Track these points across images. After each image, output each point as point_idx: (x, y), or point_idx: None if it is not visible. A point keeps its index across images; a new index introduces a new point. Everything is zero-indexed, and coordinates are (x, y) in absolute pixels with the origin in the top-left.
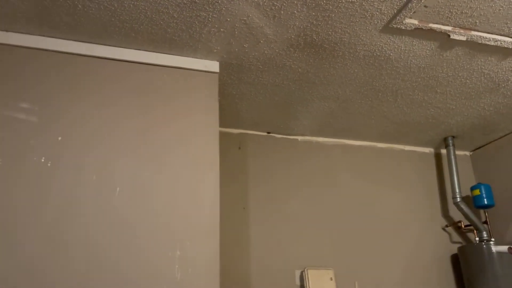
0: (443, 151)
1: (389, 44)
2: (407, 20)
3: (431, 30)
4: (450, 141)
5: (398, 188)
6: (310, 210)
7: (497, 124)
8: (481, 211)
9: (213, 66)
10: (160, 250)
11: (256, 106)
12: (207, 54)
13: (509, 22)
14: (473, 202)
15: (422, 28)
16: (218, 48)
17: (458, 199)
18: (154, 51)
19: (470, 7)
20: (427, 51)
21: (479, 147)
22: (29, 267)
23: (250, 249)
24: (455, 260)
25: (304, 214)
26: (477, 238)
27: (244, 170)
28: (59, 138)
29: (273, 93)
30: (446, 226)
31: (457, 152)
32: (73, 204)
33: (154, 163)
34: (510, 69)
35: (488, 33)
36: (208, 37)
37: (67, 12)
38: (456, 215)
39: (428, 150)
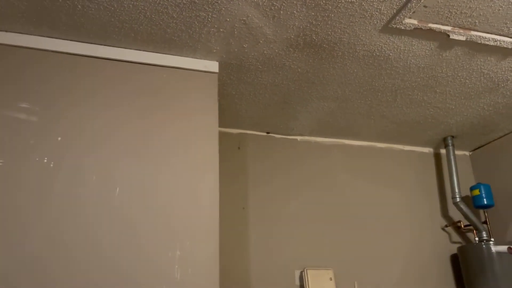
0: (443, 151)
1: (389, 44)
2: (407, 20)
3: (431, 30)
4: (450, 141)
5: (397, 188)
6: (310, 210)
7: (496, 124)
8: (481, 211)
9: (213, 66)
10: (160, 250)
11: (256, 106)
12: (207, 54)
13: (508, 22)
14: (473, 202)
15: (421, 28)
16: (218, 48)
17: (458, 199)
18: (153, 51)
19: (470, 7)
20: (427, 51)
21: (479, 147)
22: (30, 266)
23: (250, 249)
24: (455, 260)
25: (303, 214)
26: (476, 238)
27: (244, 170)
28: (59, 139)
29: (272, 93)
30: (446, 226)
31: (457, 152)
32: (74, 205)
33: (153, 163)
34: (510, 69)
35: (488, 33)
36: (208, 37)
37: (66, 13)
38: (455, 215)
39: (428, 150)
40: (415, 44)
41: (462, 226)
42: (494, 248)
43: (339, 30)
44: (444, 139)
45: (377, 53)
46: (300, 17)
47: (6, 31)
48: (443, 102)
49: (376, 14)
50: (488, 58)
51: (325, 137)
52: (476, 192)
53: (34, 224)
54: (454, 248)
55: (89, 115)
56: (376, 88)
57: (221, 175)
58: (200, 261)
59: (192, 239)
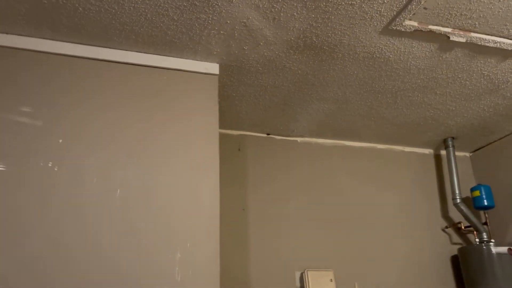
0: (443, 152)
1: (389, 46)
2: (407, 22)
3: (431, 31)
4: (450, 142)
5: (397, 189)
6: (310, 211)
7: (497, 125)
8: (481, 212)
9: (213, 68)
10: (160, 252)
11: (256, 107)
12: (207, 56)
13: (508, 24)
14: (473, 203)
15: (421, 30)
16: (218, 50)
17: (458, 200)
18: (154, 53)
19: (470, 9)
20: (427, 52)
21: (479, 148)
22: (31, 268)
23: (250, 251)
24: (455, 261)
25: (303, 215)
26: (477, 239)
27: (244, 172)
28: (60, 141)
29: (272, 95)
30: (446, 227)
31: (457, 153)
32: (75, 207)
33: (154, 165)
34: (510, 70)
35: (488, 34)
36: (208, 39)
37: (67, 15)
38: (456, 216)
39: (428, 151)
40: (415, 46)
41: (463, 227)
42: (494, 249)
43: (339, 32)
44: (445, 140)
45: (377, 55)
46: (300, 19)
47: (7, 33)
48: (443, 104)
49: (376, 16)
50: (488, 59)
51: (325, 139)
52: (477, 193)
53: (36, 226)
54: (454, 249)
55: (90, 117)
56: (376, 90)
57: (221, 176)
58: (200, 263)
59: (193, 241)
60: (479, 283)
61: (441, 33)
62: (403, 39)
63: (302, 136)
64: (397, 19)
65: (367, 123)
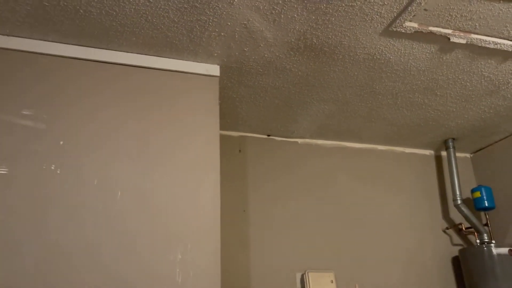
0: (444, 153)
1: (389, 47)
2: (407, 24)
3: (431, 33)
4: (451, 143)
5: (398, 191)
6: (311, 213)
7: (497, 126)
8: (482, 213)
9: (214, 69)
10: (161, 253)
11: (256, 109)
12: (208, 58)
13: (508, 25)
14: (474, 204)
15: (422, 31)
16: (219, 52)
17: (459, 202)
18: (155, 55)
19: (470, 10)
20: (427, 54)
21: (480, 149)
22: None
23: (251, 252)
24: (456, 263)
25: (304, 216)
26: (478, 241)
27: (244, 173)
28: (61, 143)
29: (273, 96)
30: (447, 228)
31: (458, 154)
32: (76, 209)
33: (155, 167)
34: (510, 71)
35: (488, 36)
36: (209, 41)
37: (68, 17)
38: (456, 217)
39: (429, 152)
40: (415, 47)
41: (463, 228)
42: (495, 250)
43: (339, 34)
44: (445, 142)
45: (378, 56)
46: (301, 21)
47: (8, 35)
48: (443, 105)
49: (376, 17)
50: (489, 61)
51: (326, 140)
52: (477, 194)
53: (38, 229)
54: (455, 251)
55: (91, 120)
56: (377, 91)
57: (222, 177)
58: (201, 264)
59: (193, 242)
60: (480, 284)
61: (441, 35)
62: (403, 40)
63: (302, 137)
64: (397, 21)
65: (367, 124)
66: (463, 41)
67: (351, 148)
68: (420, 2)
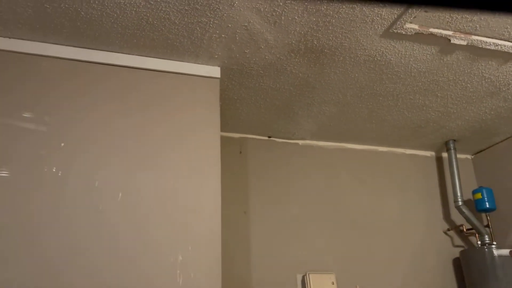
0: (445, 154)
1: (390, 49)
2: (408, 25)
3: (432, 34)
4: (452, 145)
5: (399, 192)
6: (311, 214)
7: (498, 128)
8: (483, 214)
9: (215, 71)
10: (162, 255)
11: (257, 110)
12: (209, 59)
13: (509, 27)
14: (475, 206)
15: (422, 33)
16: (219, 53)
17: (460, 203)
18: (155, 57)
19: (470, 12)
20: (428, 55)
21: (481, 151)
22: (38, 274)
23: (252, 253)
24: (457, 264)
25: (305, 218)
26: (479, 242)
27: (245, 174)
28: (62, 145)
29: (273, 98)
30: (448, 230)
31: (459, 156)
32: (76, 211)
33: (155, 168)
34: (511, 73)
35: (489, 37)
36: (210, 43)
37: (69, 19)
38: (458, 218)
39: (430, 153)
40: (416, 49)
41: (464, 229)
42: (496, 252)
43: (340, 35)
44: (446, 143)
45: (378, 58)
46: (301, 23)
47: (9, 37)
48: (444, 106)
49: (377, 19)
50: (489, 62)
51: (327, 141)
52: (478, 195)
53: (40, 231)
54: (456, 252)
55: (92, 122)
56: (377, 93)
57: (223, 179)
58: (202, 266)
59: (194, 244)
60: (481, 286)
61: (442, 36)
62: (404, 42)
63: (303, 139)
64: (398, 22)
65: (368, 125)
66: (463, 43)
67: (352, 150)
68: None
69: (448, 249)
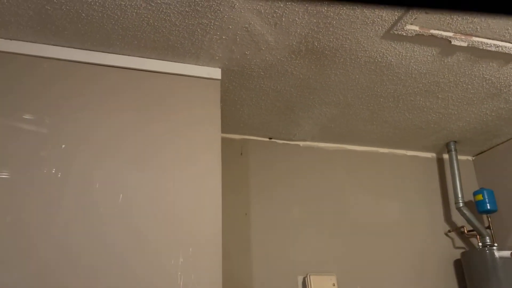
0: (445, 156)
1: (390, 50)
2: (408, 27)
3: (432, 36)
4: (452, 146)
5: (400, 193)
6: (312, 216)
7: (499, 129)
8: (484, 216)
9: (215, 73)
10: (163, 257)
11: (258, 112)
12: (209, 61)
13: (510, 28)
14: (476, 207)
15: (423, 34)
16: (220, 55)
17: (461, 204)
18: (156, 59)
19: (471, 13)
20: (428, 57)
21: (482, 152)
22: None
23: (253, 255)
24: (458, 266)
25: (306, 219)
26: (480, 243)
27: (246, 176)
28: (63, 146)
29: (274, 99)
30: (449, 231)
31: (460, 157)
32: (78, 213)
33: (156, 169)
34: None
35: (489, 39)
36: (210, 44)
37: (70, 21)
38: (459, 220)
39: (430, 155)
40: (416, 50)
41: (466, 231)
42: (497, 253)
43: (341, 37)
44: (447, 144)
45: (379, 59)
46: (302, 24)
47: (10, 39)
48: (445, 108)
49: (377, 20)
50: (490, 63)
51: (328, 143)
52: (479, 197)
53: (41, 233)
54: (457, 254)
55: (93, 123)
56: (378, 94)
57: (223, 180)
58: (203, 268)
59: (195, 246)
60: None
61: (442, 38)
62: (404, 43)
63: (304, 140)
64: (399, 24)
65: (369, 127)
66: (464, 44)
67: (353, 151)
68: None
69: (449, 250)
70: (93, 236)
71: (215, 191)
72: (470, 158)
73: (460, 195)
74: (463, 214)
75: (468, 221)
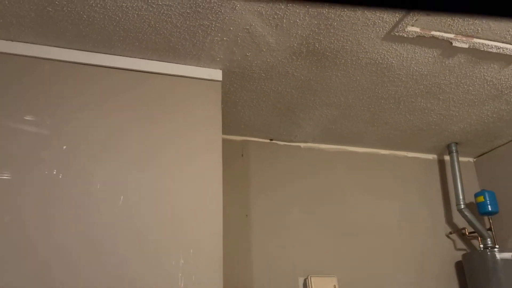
0: (447, 157)
1: (391, 52)
2: (409, 28)
3: (433, 37)
4: (454, 148)
5: (401, 195)
6: (313, 217)
7: (500, 131)
8: (485, 218)
9: (216, 74)
10: (163, 258)
11: (259, 113)
12: (210, 62)
13: (511, 30)
14: (477, 209)
15: (424, 36)
16: (221, 56)
17: (462, 206)
18: (157, 60)
19: (472, 15)
20: (430, 58)
21: (483, 154)
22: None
23: (253, 257)
24: (459, 267)
25: (307, 221)
26: (481, 245)
27: (247, 177)
28: (64, 147)
29: (275, 101)
30: (450, 233)
31: (461, 159)
32: (79, 214)
33: (157, 170)
34: None
35: (491, 40)
36: (211, 45)
37: (72, 22)
38: (460, 222)
39: (432, 156)
40: (418, 52)
41: (467, 233)
42: (499, 255)
43: (342, 38)
44: (448, 146)
45: (380, 61)
46: (303, 26)
47: (12, 40)
48: (446, 109)
49: (378, 22)
50: (491, 65)
51: (329, 144)
52: (481, 198)
53: (41, 234)
54: (458, 255)
55: (94, 124)
56: (379, 95)
57: (224, 182)
58: (203, 269)
59: (196, 247)
60: None
61: (443, 39)
62: (405, 45)
63: (305, 141)
64: (400, 25)
65: (370, 128)
66: (465, 46)
67: (354, 153)
68: None
69: (450, 252)
70: (93, 237)
71: (216, 192)
72: (471, 159)
73: (461, 197)
74: (464, 216)
75: (469, 222)
